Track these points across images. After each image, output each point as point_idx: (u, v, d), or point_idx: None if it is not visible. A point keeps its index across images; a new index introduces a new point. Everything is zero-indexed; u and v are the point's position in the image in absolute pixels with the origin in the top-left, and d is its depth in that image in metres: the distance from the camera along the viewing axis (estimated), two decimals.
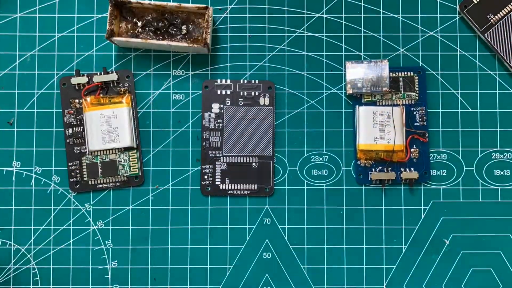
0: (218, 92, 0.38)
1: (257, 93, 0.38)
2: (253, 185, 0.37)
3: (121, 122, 0.37)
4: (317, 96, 0.38)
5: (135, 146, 0.38)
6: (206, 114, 0.38)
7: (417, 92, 0.38)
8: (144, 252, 0.37)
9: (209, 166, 0.38)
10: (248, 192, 0.37)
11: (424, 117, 0.38)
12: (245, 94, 0.38)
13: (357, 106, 0.38)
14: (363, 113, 0.37)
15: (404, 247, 0.37)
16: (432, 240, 0.37)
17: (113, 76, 0.38)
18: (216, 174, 0.38)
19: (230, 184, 0.38)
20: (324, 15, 0.39)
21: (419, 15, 0.38)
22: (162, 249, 0.37)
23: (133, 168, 0.38)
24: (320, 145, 0.38)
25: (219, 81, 0.38)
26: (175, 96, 0.38)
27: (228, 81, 0.38)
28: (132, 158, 0.38)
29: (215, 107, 0.38)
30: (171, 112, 0.38)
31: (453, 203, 0.38)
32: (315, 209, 0.38)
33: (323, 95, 0.38)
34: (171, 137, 0.38)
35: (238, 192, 0.37)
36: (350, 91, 0.37)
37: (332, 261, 0.37)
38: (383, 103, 0.38)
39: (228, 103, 0.38)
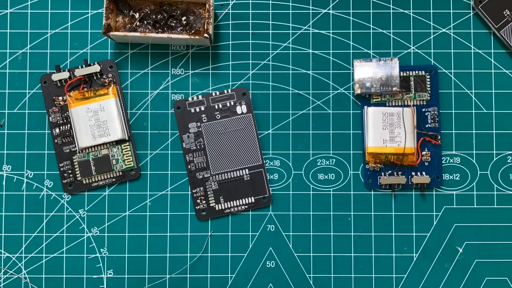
0: (192, 110, 0.36)
1: (232, 103, 0.36)
2: (249, 198, 0.36)
3: (109, 114, 0.36)
4: (324, 96, 0.37)
5: (126, 138, 0.36)
6: (185, 136, 0.36)
7: (429, 92, 0.36)
8: (141, 261, 0.36)
9: (200, 189, 0.36)
10: (246, 206, 0.36)
11: (436, 119, 0.36)
12: (220, 106, 0.36)
13: (365, 106, 0.36)
14: (372, 114, 0.36)
15: (415, 255, 0.36)
16: (445, 248, 0.36)
17: (96, 68, 0.36)
18: (209, 195, 0.36)
19: (226, 203, 0.36)
20: (331, 11, 0.37)
21: (431, 11, 0.37)
22: (160, 257, 0.36)
23: (127, 162, 0.36)
24: (326, 148, 0.37)
25: (190, 99, 0.36)
26: (174, 96, 0.37)
27: (200, 97, 0.36)
28: (125, 151, 0.36)
29: (193, 127, 0.36)
30: (169, 113, 0.37)
31: (467, 209, 0.36)
32: (321, 215, 0.36)
33: (330, 95, 0.37)
34: (169, 139, 0.37)
35: (236, 209, 0.36)
36: (358, 91, 0.36)
37: (339, 270, 0.36)
38: (393, 104, 0.36)
39: (205, 119, 0.36)
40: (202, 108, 0.36)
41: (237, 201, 0.36)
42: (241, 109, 0.36)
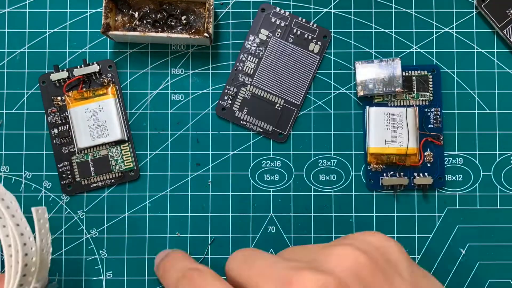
0: (273, 20, 0.36)
1: (310, 37, 0.36)
2: (269, 125, 0.36)
3: (109, 114, 0.35)
4: (325, 96, 0.36)
5: (126, 139, 0.36)
6: (252, 37, 0.36)
7: (431, 92, 0.36)
8: (140, 263, 0.36)
9: (233, 89, 0.36)
10: (261, 130, 0.36)
11: (439, 119, 0.36)
12: (298, 33, 0.36)
13: (367, 107, 0.36)
14: (374, 114, 0.35)
15: (418, 257, 0.36)
16: (447, 250, 0.36)
17: (95, 68, 0.36)
18: (237, 100, 0.36)
19: (246, 116, 0.36)
20: (332, 10, 0.37)
21: (434, 10, 0.37)
22: None
23: (127, 162, 0.36)
24: (328, 148, 0.36)
25: (278, 9, 0.36)
26: (173, 96, 0.36)
27: (287, 13, 0.36)
28: (124, 152, 0.36)
29: (264, 33, 0.36)
30: (169, 113, 0.36)
31: (470, 210, 0.36)
32: (323, 217, 0.36)
33: (331, 95, 0.36)
34: (169, 140, 0.36)
35: (252, 126, 0.36)
36: (361, 93, 0.35)
37: None
38: (395, 104, 0.36)
39: (278, 34, 0.36)
40: (282, 24, 0.36)
41: (258, 121, 0.36)
42: (314, 47, 0.36)
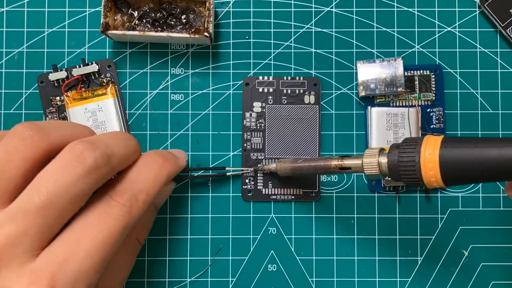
0: (260, 90, 0.36)
1: (301, 91, 0.36)
2: (298, 189, 0.35)
3: (108, 114, 0.35)
4: (326, 96, 0.36)
5: None
6: (247, 114, 0.36)
7: (434, 92, 0.36)
8: (140, 264, 0.35)
9: (251, 170, 0.36)
10: (293, 197, 0.35)
11: (441, 119, 0.36)
12: (289, 91, 0.36)
13: (369, 107, 0.35)
14: (376, 114, 0.35)
15: (420, 259, 0.35)
16: (450, 251, 0.35)
17: (94, 67, 0.36)
18: (259, 178, 0.35)
19: (273, 189, 0.35)
20: (333, 9, 0.36)
21: (436, 9, 0.36)
22: (160, 261, 0.35)
23: None
24: (329, 149, 0.36)
25: (260, 78, 0.36)
26: (173, 96, 0.36)
27: (271, 78, 0.36)
28: None
29: (257, 106, 0.36)
30: (169, 114, 0.36)
31: (473, 212, 0.35)
32: (324, 218, 0.35)
33: (332, 95, 0.36)
34: (169, 140, 0.36)
35: (282, 197, 0.35)
36: (362, 93, 0.35)
37: (342, 273, 0.35)
38: (397, 104, 0.36)
39: (270, 101, 0.36)
40: (271, 90, 0.36)
41: (285, 189, 0.35)
42: (309, 99, 0.36)
